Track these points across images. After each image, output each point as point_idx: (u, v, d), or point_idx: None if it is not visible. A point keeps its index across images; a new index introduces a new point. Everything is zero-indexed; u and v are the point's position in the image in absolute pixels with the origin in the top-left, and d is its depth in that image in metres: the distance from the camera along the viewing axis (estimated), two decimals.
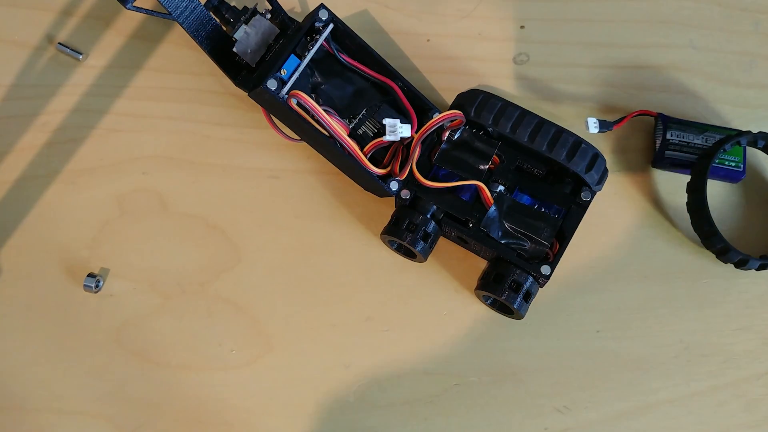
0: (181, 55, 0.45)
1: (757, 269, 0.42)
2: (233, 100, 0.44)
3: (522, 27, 0.47)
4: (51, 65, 0.45)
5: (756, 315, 0.42)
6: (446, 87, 0.45)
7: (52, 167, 0.43)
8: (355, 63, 0.42)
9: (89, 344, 0.41)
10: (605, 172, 0.41)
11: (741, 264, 0.41)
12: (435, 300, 0.42)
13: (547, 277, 0.39)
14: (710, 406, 0.41)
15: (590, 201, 0.40)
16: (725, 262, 0.42)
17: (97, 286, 0.41)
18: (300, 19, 0.43)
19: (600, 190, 0.41)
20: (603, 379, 0.41)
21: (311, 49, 0.40)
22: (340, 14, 0.42)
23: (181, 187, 0.43)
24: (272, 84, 0.39)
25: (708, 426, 0.41)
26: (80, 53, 0.45)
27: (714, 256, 0.42)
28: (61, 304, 0.41)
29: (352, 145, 0.40)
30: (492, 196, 0.40)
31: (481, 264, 0.42)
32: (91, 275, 0.41)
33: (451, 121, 0.41)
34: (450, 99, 0.43)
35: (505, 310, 0.41)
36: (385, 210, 0.42)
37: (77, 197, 0.43)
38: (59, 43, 0.45)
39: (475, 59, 0.46)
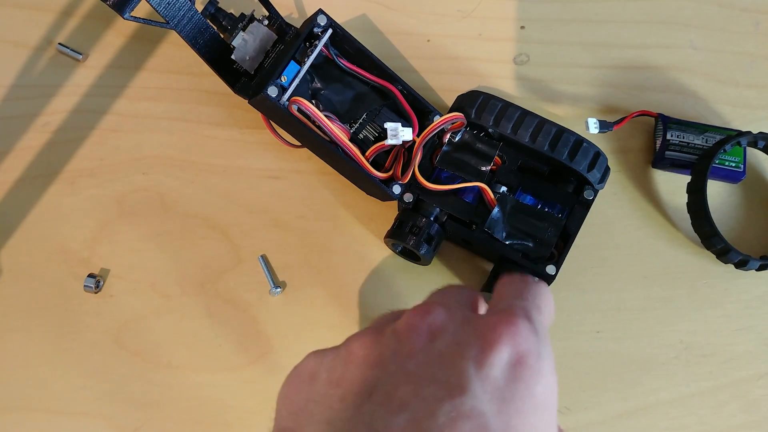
0: (181, 56, 0.45)
1: (757, 270, 0.42)
2: (233, 101, 0.44)
3: (522, 27, 0.47)
4: (51, 65, 0.45)
5: (756, 315, 0.42)
6: (446, 88, 0.45)
7: (52, 167, 0.43)
8: (355, 67, 0.42)
9: (89, 344, 0.41)
10: (607, 170, 0.41)
11: (741, 264, 0.41)
12: None
13: (553, 277, 0.39)
14: (710, 406, 0.41)
15: (593, 199, 0.40)
16: (725, 263, 0.42)
17: (97, 286, 0.41)
18: (298, 25, 0.43)
19: (602, 188, 0.41)
20: (603, 379, 0.41)
21: (311, 55, 0.40)
22: (340, 16, 0.42)
23: (181, 187, 0.43)
24: (273, 91, 0.38)
25: (708, 426, 0.40)
26: (80, 53, 0.45)
27: (714, 256, 0.42)
28: (61, 305, 0.41)
29: (354, 150, 0.40)
30: (495, 197, 0.40)
31: (485, 265, 0.42)
32: (91, 275, 0.41)
33: (452, 123, 0.41)
34: (450, 100, 0.43)
35: None
36: (386, 210, 0.42)
37: (77, 197, 0.43)
38: (59, 44, 0.45)
39: (475, 60, 0.46)
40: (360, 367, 0.23)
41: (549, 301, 0.25)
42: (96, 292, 0.41)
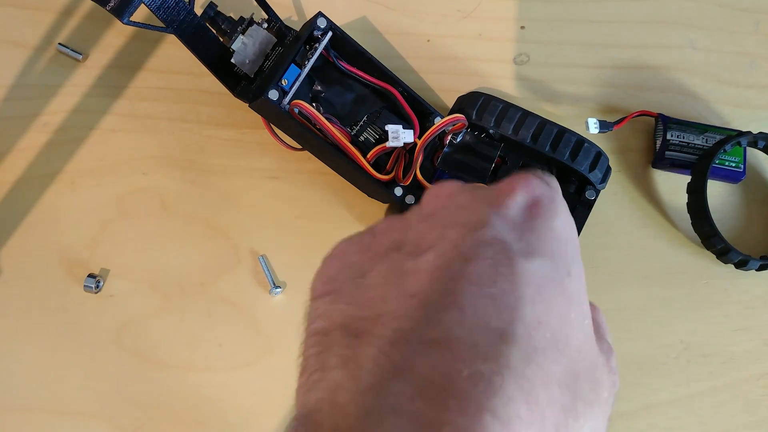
0: (181, 56, 0.45)
1: (758, 270, 0.42)
2: (233, 101, 0.44)
3: (522, 27, 0.47)
4: (51, 65, 0.45)
5: (756, 315, 0.42)
6: (446, 88, 0.45)
7: (52, 167, 0.43)
8: (355, 70, 0.42)
9: (89, 345, 0.41)
10: (608, 170, 0.41)
11: (741, 264, 0.41)
12: None
13: None
14: (710, 406, 0.41)
15: (595, 199, 0.40)
16: (725, 263, 0.42)
17: (97, 286, 0.41)
18: (297, 28, 0.43)
19: (604, 188, 0.41)
20: None
21: (311, 58, 0.40)
22: (340, 18, 0.42)
23: (181, 187, 0.43)
24: (274, 94, 0.38)
25: (708, 426, 0.41)
26: (80, 53, 0.45)
27: (714, 256, 0.42)
28: (61, 305, 0.41)
29: (355, 153, 0.39)
30: None
31: None
32: (91, 276, 0.41)
33: (453, 125, 0.40)
34: (450, 100, 0.43)
35: None
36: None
37: (77, 197, 0.43)
38: (59, 44, 0.45)
39: (475, 60, 0.46)
40: (387, 234, 0.25)
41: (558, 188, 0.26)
42: (96, 292, 0.41)
